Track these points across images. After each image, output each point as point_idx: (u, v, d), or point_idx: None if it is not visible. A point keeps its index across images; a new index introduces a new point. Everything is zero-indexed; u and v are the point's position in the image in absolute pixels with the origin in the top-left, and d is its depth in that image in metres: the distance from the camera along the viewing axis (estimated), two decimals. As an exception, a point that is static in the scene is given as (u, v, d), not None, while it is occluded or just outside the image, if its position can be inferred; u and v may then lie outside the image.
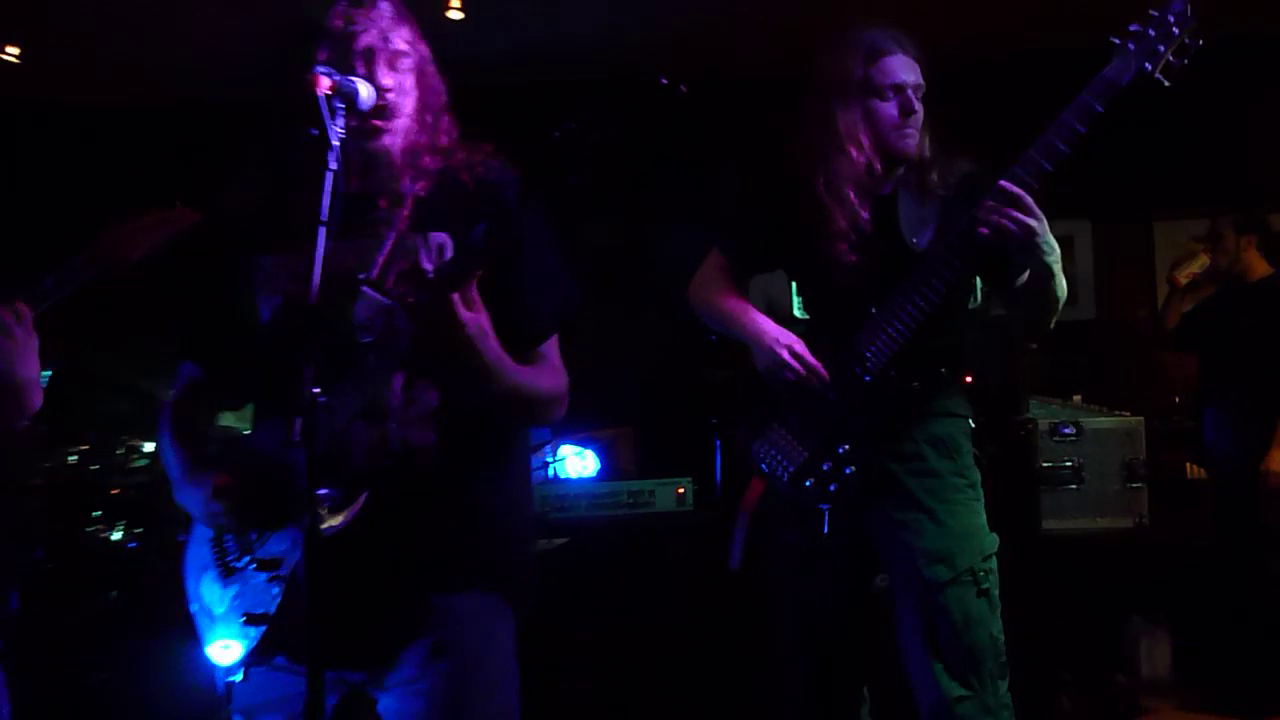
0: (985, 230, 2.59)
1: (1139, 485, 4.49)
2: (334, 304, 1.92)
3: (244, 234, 2.16)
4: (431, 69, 2.14)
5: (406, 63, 2.08)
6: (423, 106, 2.11)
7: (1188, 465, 5.43)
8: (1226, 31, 5.61)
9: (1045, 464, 4.29)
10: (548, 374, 2.09)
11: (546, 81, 5.69)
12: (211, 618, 2.08)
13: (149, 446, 5.09)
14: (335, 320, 1.94)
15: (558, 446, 4.91)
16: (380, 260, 2.02)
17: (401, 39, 2.07)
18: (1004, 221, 2.57)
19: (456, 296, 1.79)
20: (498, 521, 2.13)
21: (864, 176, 2.90)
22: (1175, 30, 2.59)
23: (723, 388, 5.33)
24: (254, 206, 2.17)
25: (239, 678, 2.03)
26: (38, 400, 2.89)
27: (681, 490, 4.56)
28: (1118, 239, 6.09)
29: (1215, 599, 5.14)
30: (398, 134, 2.07)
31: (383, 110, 2.02)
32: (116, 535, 5.04)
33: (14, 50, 5.14)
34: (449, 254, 2.01)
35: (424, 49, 2.13)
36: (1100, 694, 4.67)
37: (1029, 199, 2.57)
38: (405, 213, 2.06)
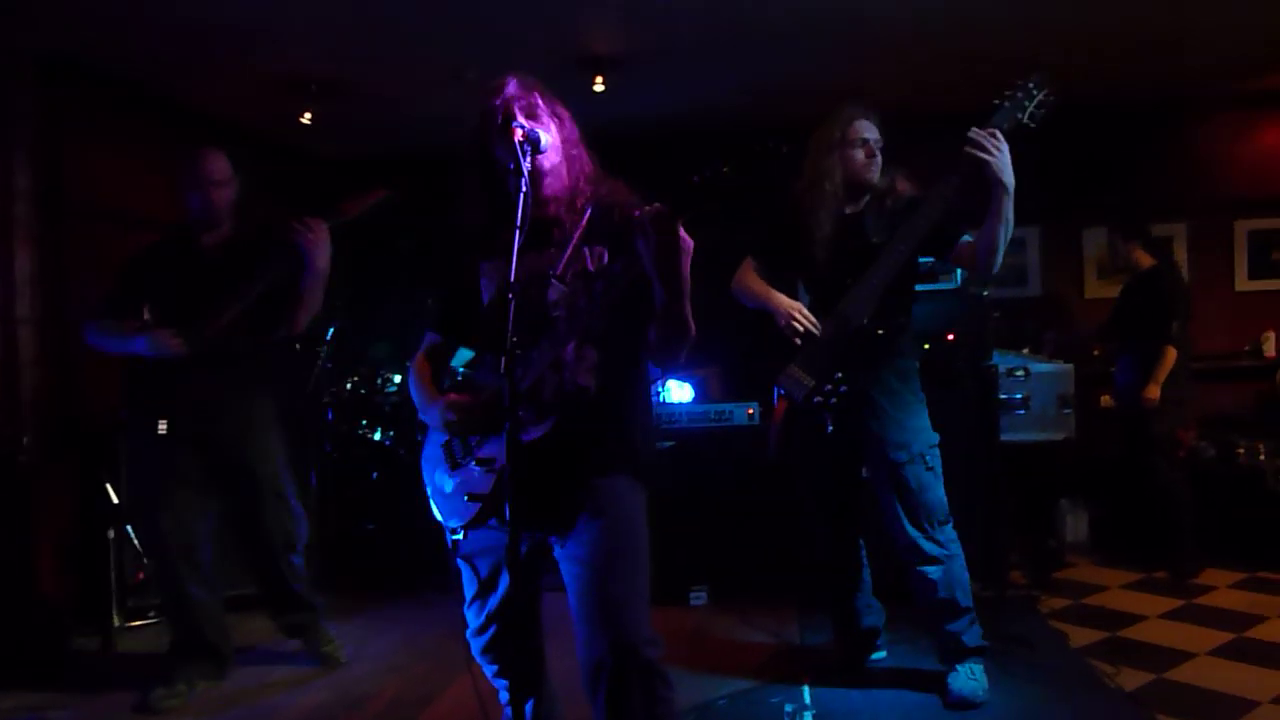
0: (972, 149, 2.68)
1: (1068, 411, 4.44)
2: (533, 292, 1.97)
3: (473, 245, 2.15)
4: (572, 124, 2.10)
5: (551, 118, 2.05)
6: (567, 149, 2.06)
7: (1102, 398, 5.40)
8: (1128, 97, 5.58)
9: (1003, 395, 4.26)
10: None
11: (663, 134, 5.74)
12: (443, 496, 2.15)
13: (398, 377, 5.19)
14: (534, 302, 1.97)
15: (666, 380, 4.91)
16: (562, 262, 2.03)
17: (546, 102, 2.05)
18: (983, 143, 2.67)
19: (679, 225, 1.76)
20: (634, 431, 2.11)
21: (838, 200, 3.07)
22: (1034, 90, 2.78)
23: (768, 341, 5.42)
24: (479, 225, 2.13)
25: (461, 536, 2.10)
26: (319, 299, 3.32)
27: (751, 410, 4.58)
28: (1057, 240, 6.03)
29: (1118, 489, 5.15)
30: (551, 166, 2.03)
31: (538, 145, 1.97)
32: (377, 435, 5.19)
33: (309, 116, 5.26)
34: (605, 260, 2.00)
35: (566, 112, 2.10)
36: (1038, 553, 4.68)
37: (998, 135, 2.70)
38: (578, 231, 2.05)
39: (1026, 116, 2.77)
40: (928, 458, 3.07)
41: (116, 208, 4.82)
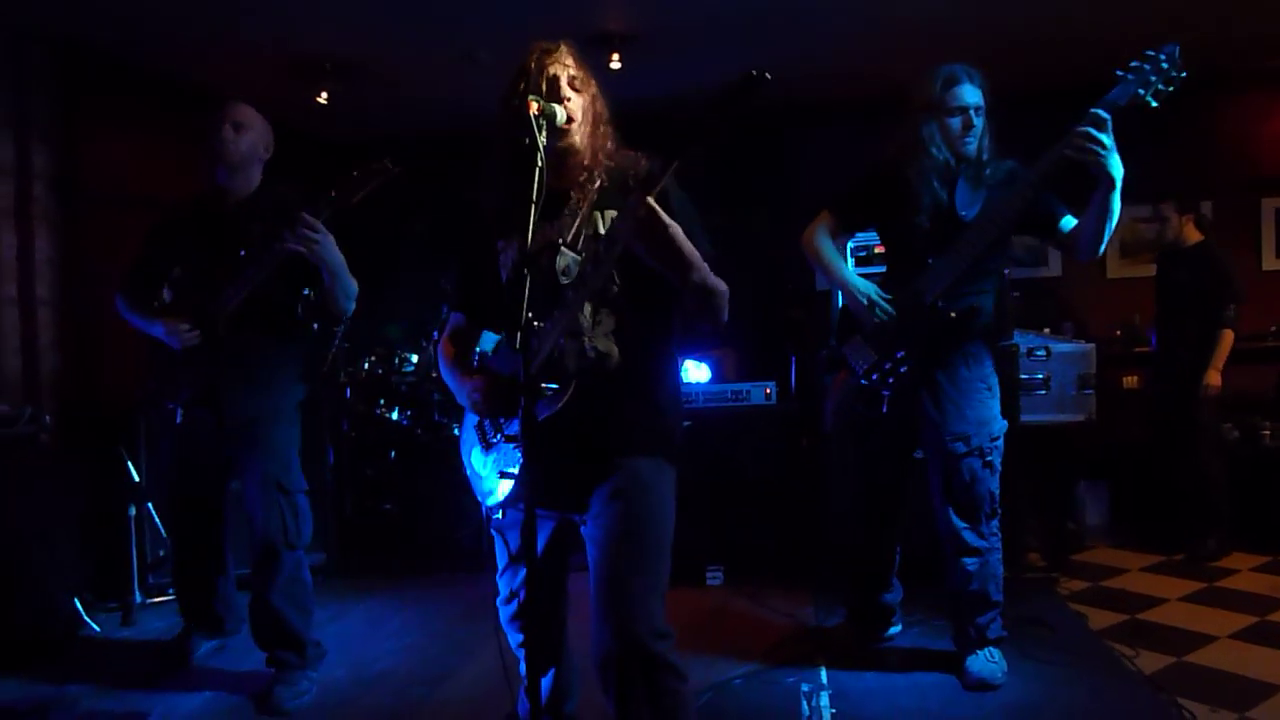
0: (1074, 150, 2.56)
1: (1089, 391, 4.39)
2: (544, 262, 1.94)
3: (491, 223, 2.12)
4: (600, 97, 2.07)
5: (581, 88, 2.02)
6: (594, 121, 2.04)
7: (1123, 379, 5.33)
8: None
9: (1024, 375, 4.22)
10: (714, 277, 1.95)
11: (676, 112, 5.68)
12: (479, 476, 2.15)
13: (415, 357, 5.17)
14: (546, 271, 1.94)
15: (683, 360, 4.89)
16: (573, 230, 2.00)
17: (578, 72, 2.02)
18: (1090, 145, 2.54)
19: (653, 201, 1.73)
20: (660, 406, 2.07)
21: (942, 169, 2.91)
22: (1165, 66, 2.55)
23: (795, 322, 5.37)
24: (496, 203, 2.09)
25: (500, 515, 2.10)
26: (353, 285, 3.08)
27: (768, 390, 4.56)
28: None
29: (1142, 471, 5.08)
30: (579, 138, 2.01)
31: (569, 120, 1.97)
32: (394, 415, 5.21)
33: (324, 96, 5.22)
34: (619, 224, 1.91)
35: (593, 84, 2.06)
36: (1056, 535, 4.61)
37: (1104, 129, 2.53)
38: (591, 198, 2.02)
39: (1150, 94, 2.56)
40: (986, 451, 2.97)
41: (132, 191, 4.83)
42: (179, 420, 3.11)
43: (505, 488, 2.05)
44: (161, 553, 4.19)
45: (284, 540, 3.12)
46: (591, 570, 2.00)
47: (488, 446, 2.11)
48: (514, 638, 2.22)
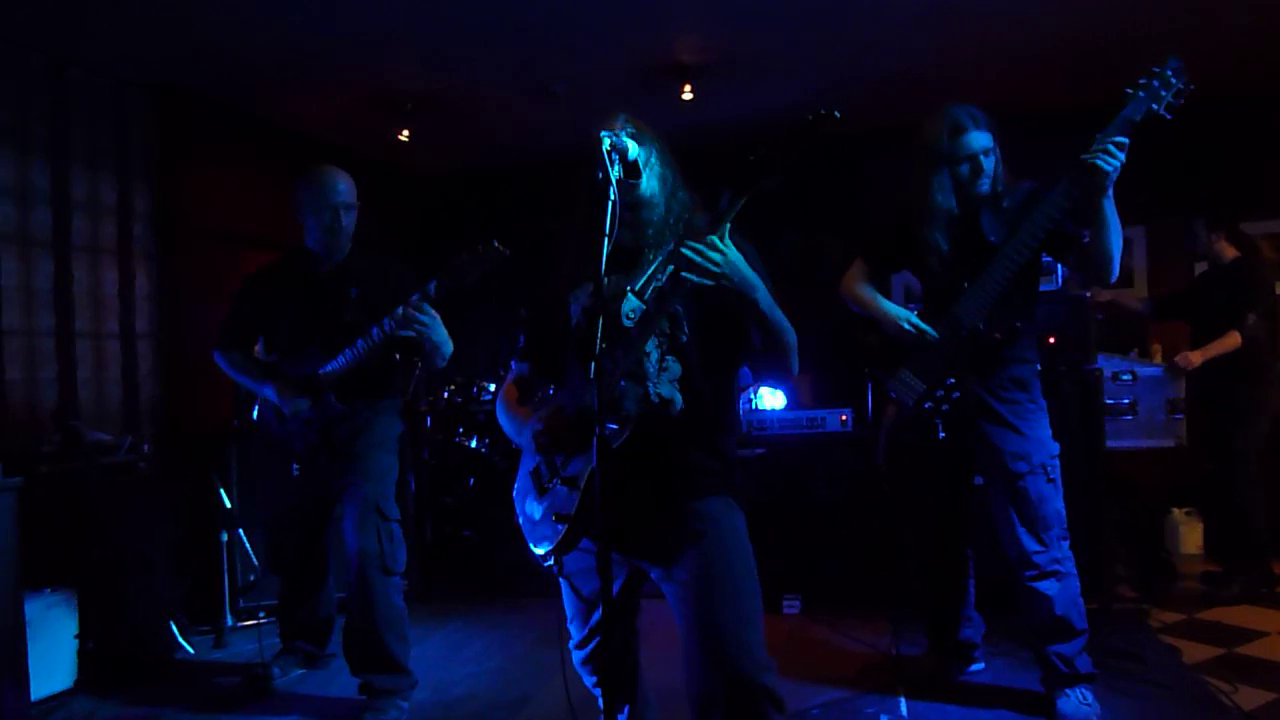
0: (1091, 160, 2.59)
1: (1179, 416, 4.28)
2: (613, 308, 2.00)
3: (564, 279, 2.17)
4: (665, 153, 2.10)
5: (643, 143, 2.05)
6: (662, 171, 2.07)
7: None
8: (1246, 85, 5.32)
9: (1109, 400, 4.11)
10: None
11: (749, 139, 5.71)
12: (533, 523, 2.12)
13: (493, 386, 5.25)
14: (613, 317, 1.99)
15: (759, 387, 4.92)
16: (642, 279, 2.04)
17: (638, 129, 2.06)
18: (1112, 157, 2.57)
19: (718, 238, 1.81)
20: (724, 450, 2.08)
21: (950, 213, 2.95)
22: (1173, 80, 2.62)
23: (871, 347, 5.33)
24: (569, 252, 2.14)
25: (550, 563, 2.07)
26: (450, 349, 3.23)
27: (844, 417, 4.55)
28: (1164, 240, 5.78)
29: (1230, 498, 4.87)
30: (649, 191, 2.05)
31: (635, 168, 2.01)
32: (473, 443, 5.29)
33: (406, 133, 5.39)
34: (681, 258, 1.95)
35: (656, 141, 2.09)
36: (1147, 565, 4.48)
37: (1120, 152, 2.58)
38: (664, 252, 2.04)
39: (1163, 107, 2.61)
40: (1049, 469, 2.95)
41: (223, 227, 5.06)
42: (295, 474, 3.32)
43: (553, 536, 2.04)
44: (252, 577, 4.32)
45: (380, 564, 3.19)
46: (682, 611, 1.99)
47: (542, 492, 2.10)
48: (588, 679, 2.25)
